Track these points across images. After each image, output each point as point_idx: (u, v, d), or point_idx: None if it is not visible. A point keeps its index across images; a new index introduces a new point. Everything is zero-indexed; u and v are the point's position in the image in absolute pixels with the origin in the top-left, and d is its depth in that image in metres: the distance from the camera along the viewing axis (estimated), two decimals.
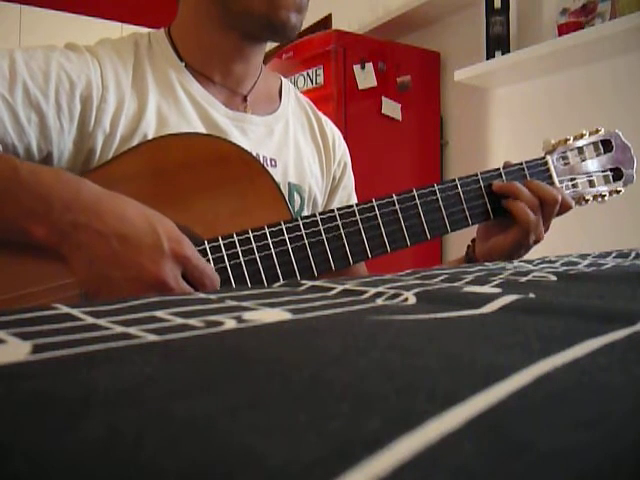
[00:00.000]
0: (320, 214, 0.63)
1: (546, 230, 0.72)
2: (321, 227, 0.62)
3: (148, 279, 0.49)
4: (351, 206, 0.64)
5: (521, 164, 0.73)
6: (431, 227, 0.67)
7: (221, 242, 0.59)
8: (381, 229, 0.64)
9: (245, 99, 0.77)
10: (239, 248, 0.59)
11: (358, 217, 0.64)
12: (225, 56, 0.74)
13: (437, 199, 0.67)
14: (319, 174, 0.84)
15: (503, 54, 1.92)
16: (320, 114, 0.89)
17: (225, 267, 0.58)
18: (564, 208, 0.72)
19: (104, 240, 0.49)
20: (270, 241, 0.60)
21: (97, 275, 0.49)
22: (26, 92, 0.59)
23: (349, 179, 0.90)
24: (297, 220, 0.62)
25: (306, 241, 0.61)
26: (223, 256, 0.58)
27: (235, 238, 0.59)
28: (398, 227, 0.65)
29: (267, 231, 0.60)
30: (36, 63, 0.61)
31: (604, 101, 1.75)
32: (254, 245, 0.59)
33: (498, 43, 1.94)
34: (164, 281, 0.50)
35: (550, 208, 0.70)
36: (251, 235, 0.60)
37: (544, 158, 0.74)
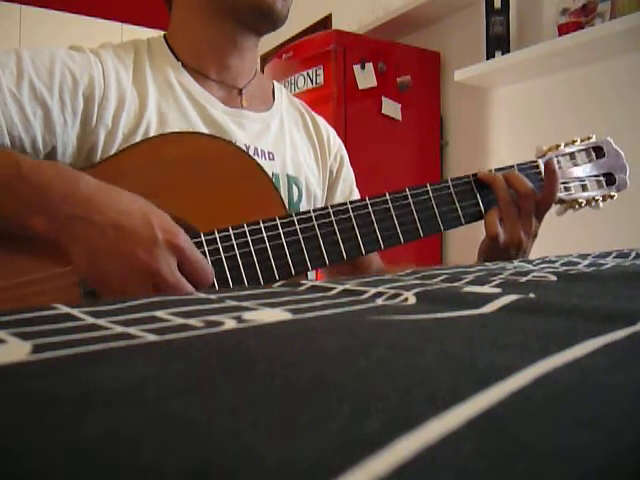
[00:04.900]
0: (314, 210, 0.65)
1: (529, 227, 0.70)
2: (315, 223, 0.64)
3: (142, 268, 0.50)
4: (345, 203, 0.66)
5: (512, 166, 0.74)
6: (424, 225, 0.69)
7: (217, 235, 0.60)
8: (374, 226, 0.66)
9: (241, 92, 0.79)
10: (234, 241, 0.61)
11: (352, 214, 0.66)
12: (220, 50, 0.76)
13: (430, 198, 0.69)
14: (315, 168, 0.86)
15: (503, 54, 1.92)
16: (314, 113, 0.91)
17: (220, 259, 0.60)
18: (547, 199, 0.70)
19: (100, 231, 0.51)
20: (265, 235, 0.62)
21: (95, 266, 0.51)
22: (32, 88, 0.62)
23: (348, 172, 0.91)
24: (292, 216, 0.64)
25: (300, 236, 0.63)
26: (219, 248, 0.60)
27: (231, 231, 0.61)
28: (391, 224, 0.67)
29: (262, 226, 0.62)
30: (41, 61, 0.64)
31: (604, 101, 1.75)
32: (249, 238, 0.61)
33: (498, 43, 1.94)
34: (157, 270, 0.51)
35: (525, 202, 0.70)
36: (246, 229, 0.61)
37: (536, 161, 0.76)
